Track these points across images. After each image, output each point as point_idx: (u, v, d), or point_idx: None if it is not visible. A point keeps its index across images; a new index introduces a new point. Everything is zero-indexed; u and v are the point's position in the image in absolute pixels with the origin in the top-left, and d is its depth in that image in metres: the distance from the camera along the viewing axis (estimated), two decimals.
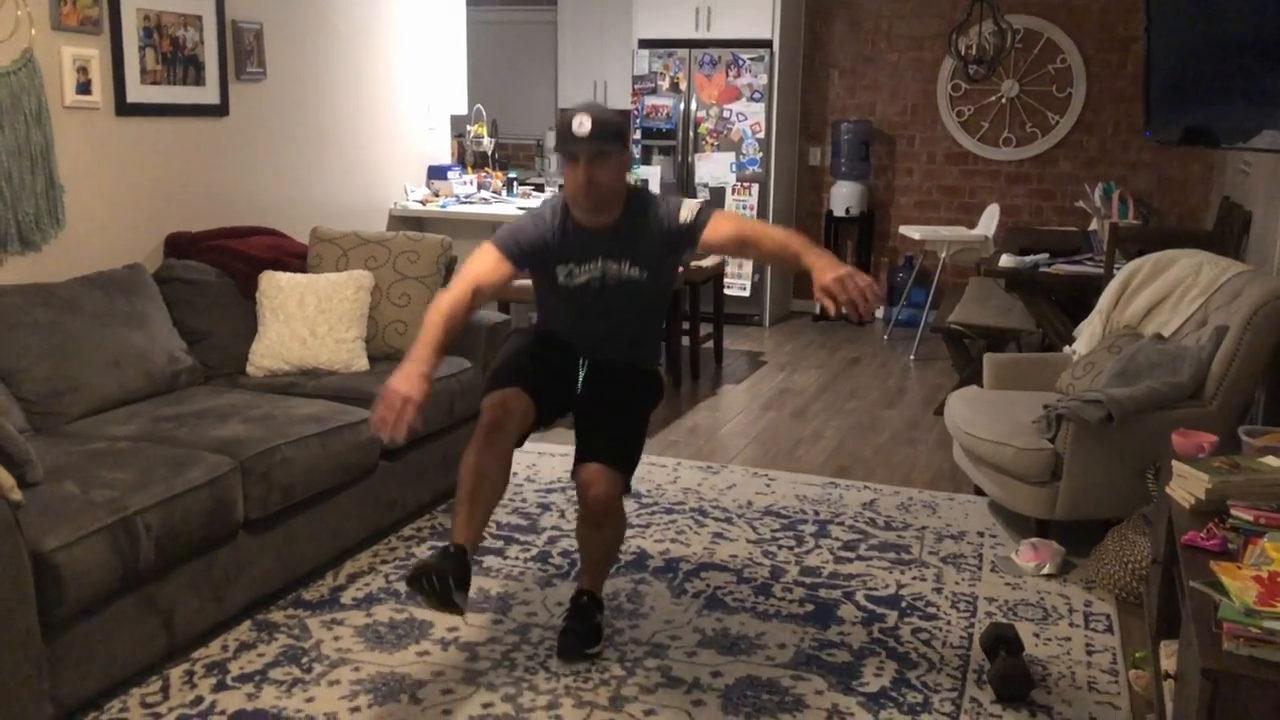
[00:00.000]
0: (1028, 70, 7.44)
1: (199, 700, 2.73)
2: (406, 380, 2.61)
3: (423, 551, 3.65)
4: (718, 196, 7.59)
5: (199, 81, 4.26)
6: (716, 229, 2.88)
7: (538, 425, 2.93)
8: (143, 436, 3.18)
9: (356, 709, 2.70)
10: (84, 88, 3.76)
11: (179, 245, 4.15)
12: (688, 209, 2.92)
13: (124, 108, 3.93)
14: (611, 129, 2.81)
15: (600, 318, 2.99)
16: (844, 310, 2.61)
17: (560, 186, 2.96)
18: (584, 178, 2.78)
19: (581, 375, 3.04)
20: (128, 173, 4.00)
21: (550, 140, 8.61)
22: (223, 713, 2.68)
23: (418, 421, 2.60)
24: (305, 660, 2.94)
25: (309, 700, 2.74)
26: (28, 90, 3.52)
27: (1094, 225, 6.04)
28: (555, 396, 2.98)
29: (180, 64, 4.16)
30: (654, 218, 2.92)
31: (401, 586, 3.01)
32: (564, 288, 2.94)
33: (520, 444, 2.89)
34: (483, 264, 2.87)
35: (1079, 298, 4.99)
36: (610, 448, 2.91)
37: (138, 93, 3.98)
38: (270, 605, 3.23)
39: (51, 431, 3.23)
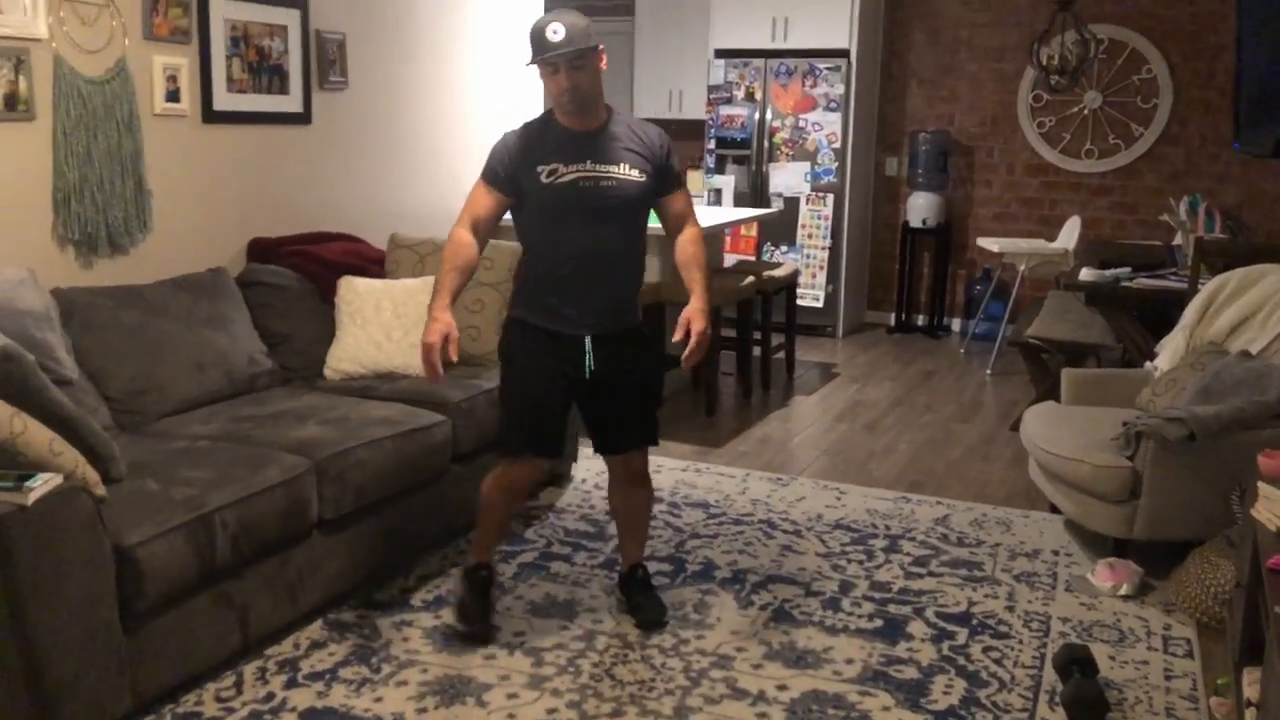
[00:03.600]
0: (1111, 81, 7.29)
1: (270, 696, 2.78)
2: (430, 334, 2.90)
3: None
4: (792, 206, 7.55)
5: (283, 90, 4.36)
6: (680, 200, 3.16)
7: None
8: (222, 436, 3.26)
9: (423, 710, 2.73)
10: (173, 96, 3.87)
11: (261, 250, 4.24)
12: (676, 160, 3.15)
13: (210, 115, 4.03)
14: (583, 32, 2.90)
15: (589, 236, 2.97)
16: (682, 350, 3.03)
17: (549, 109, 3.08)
18: (567, 83, 2.90)
19: (589, 362, 3.02)
20: (213, 179, 4.10)
21: None
22: (293, 709, 2.72)
23: (450, 355, 2.91)
24: (374, 660, 2.98)
25: (377, 700, 2.78)
26: (120, 98, 3.64)
27: (1178, 239, 5.88)
28: (565, 426, 3.19)
29: (265, 73, 4.26)
30: (650, 134, 3.09)
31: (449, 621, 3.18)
32: (548, 189, 2.95)
33: None
34: (475, 201, 3.04)
35: (1161, 313, 4.87)
36: (647, 430, 3.20)
37: (224, 101, 4.08)
38: (342, 605, 3.28)
39: (135, 430, 3.32)
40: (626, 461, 3.19)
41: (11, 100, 3.32)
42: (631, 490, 3.26)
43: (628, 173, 2.99)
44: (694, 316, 3.00)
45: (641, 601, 3.25)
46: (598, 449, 3.21)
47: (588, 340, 3.02)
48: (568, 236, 2.99)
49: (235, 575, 2.86)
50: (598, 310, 3.02)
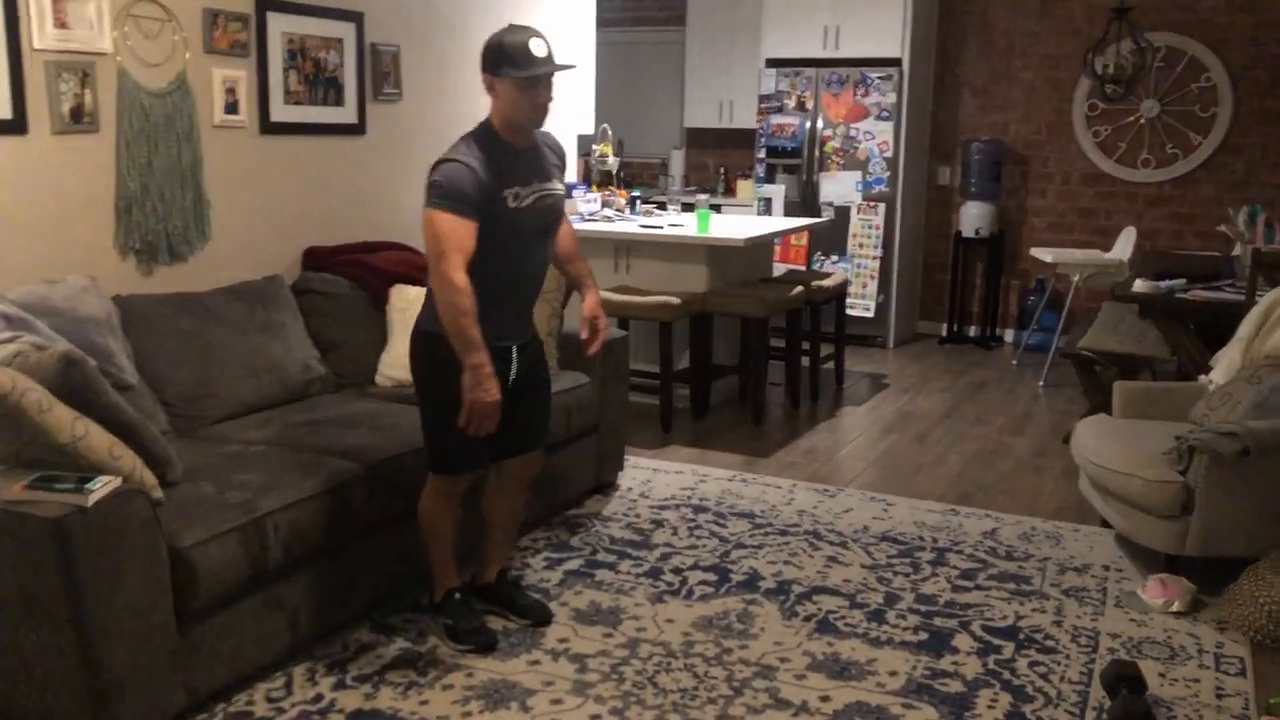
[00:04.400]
0: (1170, 89, 7.19)
1: (319, 698, 2.84)
2: (488, 389, 2.82)
3: (537, 563, 3.72)
4: (843, 216, 7.54)
5: (338, 102, 4.44)
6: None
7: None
8: (275, 441, 3.32)
9: (468, 714, 2.77)
10: (231, 108, 3.96)
11: (316, 258, 4.33)
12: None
13: (268, 126, 4.12)
14: (554, 50, 2.95)
15: (537, 253, 3.05)
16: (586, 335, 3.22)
17: (485, 120, 2.99)
18: (546, 98, 2.91)
19: (513, 371, 3.06)
20: (270, 189, 4.19)
21: (675, 158, 8.68)
22: (341, 711, 2.77)
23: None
24: (421, 663, 3.02)
25: (423, 703, 2.82)
26: (181, 110, 3.73)
27: (1237, 250, 5.78)
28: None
29: (321, 85, 4.35)
30: (554, 141, 3.14)
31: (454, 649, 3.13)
32: (514, 213, 2.91)
33: None
34: (458, 238, 2.80)
35: (1218, 325, 4.79)
36: (544, 431, 3.27)
37: (281, 112, 4.17)
38: (389, 608, 3.33)
39: (191, 434, 3.40)
40: (528, 463, 3.23)
41: (78, 112, 3.42)
42: (519, 497, 3.31)
43: (558, 186, 3.08)
44: (599, 313, 3.20)
45: (526, 603, 3.30)
46: (501, 455, 3.17)
47: (514, 349, 3.06)
48: (521, 257, 2.98)
49: (286, 577, 2.92)
50: (524, 319, 3.10)
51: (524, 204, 2.94)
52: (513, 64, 2.84)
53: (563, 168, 3.15)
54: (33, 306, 3.07)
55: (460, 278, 2.78)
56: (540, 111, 2.93)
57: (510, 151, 2.94)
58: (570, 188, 5.97)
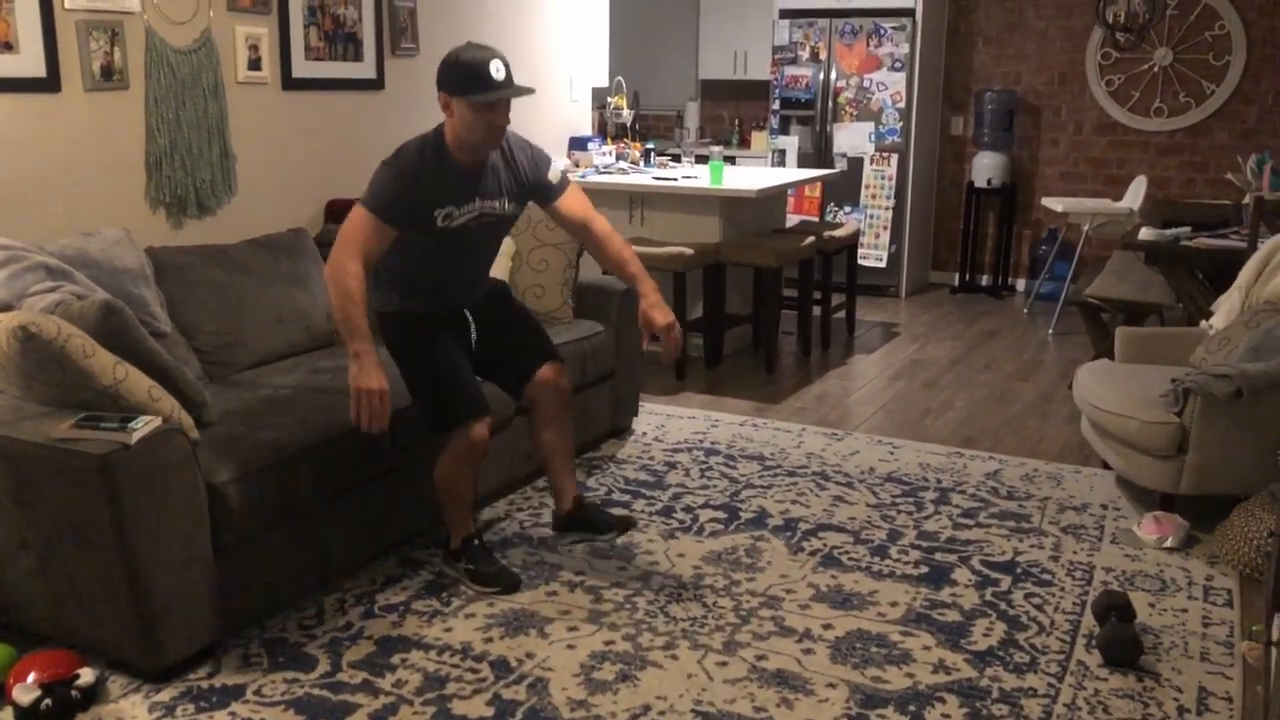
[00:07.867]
0: (1183, 37, 7.19)
1: (349, 625, 3.00)
2: (373, 376, 2.89)
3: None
4: (856, 166, 7.60)
5: (358, 57, 4.55)
6: (571, 201, 3.21)
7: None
8: (303, 386, 3.47)
9: (490, 640, 2.93)
10: (255, 64, 4.07)
11: (338, 211, 4.45)
12: (554, 170, 3.19)
13: (290, 82, 4.24)
14: (511, 70, 2.95)
15: (468, 259, 3.20)
16: (656, 345, 3.18)
17: (439, 130, 3.01)
18: (502, 121, 2.93)
19: (473, 331, 3.30)
20: (292, 143, 4.31)
21: (690, 110, 8.74)
22: (370, 637, 2.94)
23: (390, 407, 2.95)
24: (445, 594, 3.18)
25: (447, 630, 2.98)
26: (206, 67, 3.85)
27: (1247, 199, 5.84)
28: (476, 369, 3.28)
29: (340, 41, 4.45)
30: (528, 160, 3.14)
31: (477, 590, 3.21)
32: (441, 232, 3.02)
33: None
34: (366, 235, 2.91)
35: (1222, 273, 4.87)
36: (548, 346, 3.37)
37: (302, 68, 4.28)
38: (414, 544, 3.49)
39: (222, 380, 3.55)
40: (549, 380, 3.30)
41: (108, 70, 3.54)
42: (560, 422, 3.38)
43: (506, 207, 3.14)
44: (655, 312, 3.11)
45: (605, 518, 3.42)
46: (520, 383, 3.34)
47: (467, 312, 3.30)
48: (449, 265, 3.16)
49: (316, 514, 3.08)
50: (472, 287, 3.30)
51: (454, 223, 3.04)
52: (470, 85, 2.86)
53: (521, 183, 3.15)
54: (71, 258, 3.22)
55: (353, 265, 2.87)
56: (495, 134, 2.95)
57: (454, 170, 2.99)
58: (585, 140, 6.07)
